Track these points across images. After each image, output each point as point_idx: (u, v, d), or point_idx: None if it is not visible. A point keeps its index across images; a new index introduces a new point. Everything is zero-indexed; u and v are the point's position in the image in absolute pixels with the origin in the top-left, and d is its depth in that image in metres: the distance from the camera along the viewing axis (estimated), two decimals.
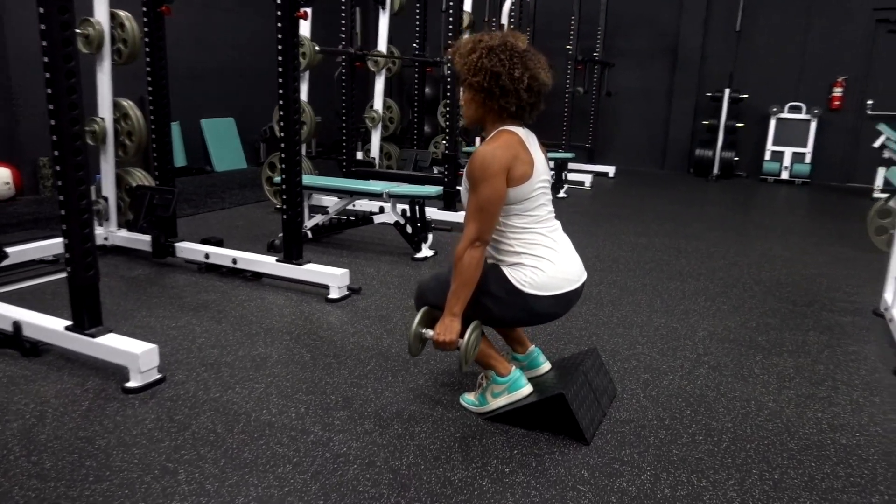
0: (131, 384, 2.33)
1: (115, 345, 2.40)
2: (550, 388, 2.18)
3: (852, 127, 8.55)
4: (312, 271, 3.47)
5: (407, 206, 4.30)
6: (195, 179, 7.01)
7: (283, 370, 2.54)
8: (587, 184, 7.72)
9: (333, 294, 3.40)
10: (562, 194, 6.85)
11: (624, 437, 2.11)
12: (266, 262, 3.59)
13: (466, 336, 2.06)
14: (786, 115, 8.66)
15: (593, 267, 4.13)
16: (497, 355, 2.24)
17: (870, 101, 8.46)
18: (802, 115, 8.58)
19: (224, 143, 7.96)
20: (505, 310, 2.10)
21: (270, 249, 4.19)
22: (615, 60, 9.15)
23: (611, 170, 8.73)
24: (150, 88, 3.75)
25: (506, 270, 2.08)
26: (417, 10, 6.26)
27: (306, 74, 5.46)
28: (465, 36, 2.06)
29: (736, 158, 8.78)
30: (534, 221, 2.08)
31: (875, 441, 2.15)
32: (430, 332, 2.11)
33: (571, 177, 7.62)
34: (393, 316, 3.18)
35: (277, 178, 4.43)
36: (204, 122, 7.74)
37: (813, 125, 8.51)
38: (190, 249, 3.81)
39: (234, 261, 3.68)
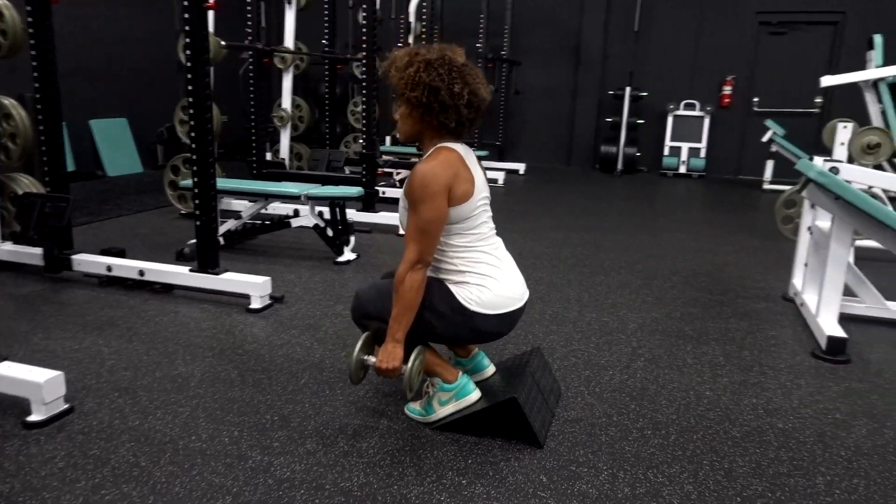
0: (34, 418, 2.06)
1: (11, 374, 2.12)
2: (500, 392, 2.12)
3: (741, 123, 9.11)
4: (231, 280, 3.25)
5: (326, 209, 4.13)
6: (86, 185, 6.47)
7: (208, 390, 2.33)
8: (500, 181, 7.78)
9: (255, 304, 3.19)
10: None
11: (576, 438, 2.08)
12: (179, 273, 3.33)
13: (410, 362, 1.97)
14: (682, 112, 9.11)
15: (518, 265, 4.12)
16: (442, 361, 2.15)
17: (756, 99, 9.05)
18: (697, 113, 9.05)
19: (116, 146, 7.40)
20: (448, 327, 2.01)
21: (180, 258, 3.90)
22: (521, 59, 9.29)
23: (521, 167, 8.85)
24: (36, 85, 3.38)
25: (451, 287, 2.00)
26: (326, 6, 6.06)
27: (210, 71, 5.13)
28: (399, 49, 1.98)
29: (638, 154, 9.14)
30: (477, 240, 2.01)
31: (808, 424, 2.23)
32: (371, 359, 2.02)
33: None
34: (322, 324, 3.02)
35: (184, 182, 4.13)
36: (93, 122, 7.16)
37: (706, 122, 9.00)
38: (89, 262, 3.47)
39: (142, 272, 3.39)
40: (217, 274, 3.26)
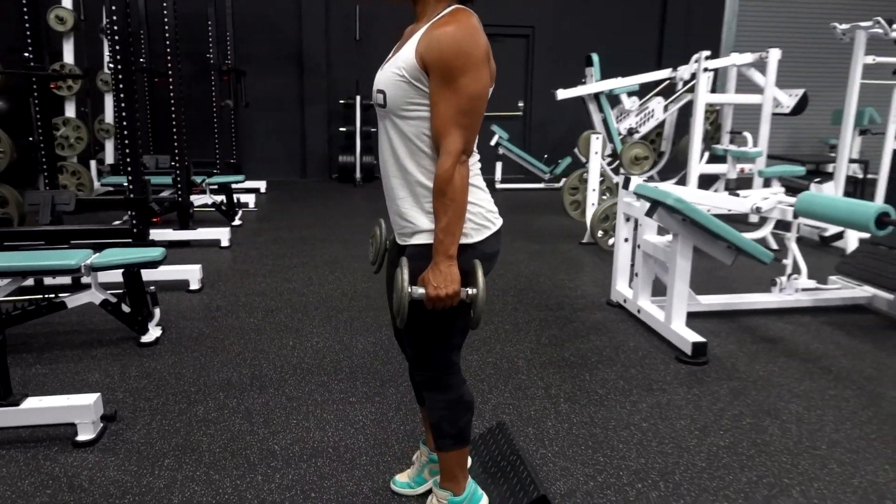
0: None
1: None
2: (514, 488, 1.90)
3: None
4: (39, 409, 2.34)
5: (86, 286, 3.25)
6: None
7: None
8: (251, 204, 7.11)
9: (85, 434, 2.36)
10: (237, 221, 6.16)
11: None
12: None
13: (479, 280, 1.55)
14: None
15: (351, 307, 3.81)
16: (464, 463, 1.85)
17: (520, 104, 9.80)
18: None
19: None
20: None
21: None
22: (244, 68, 8.59)
23: (262, 185, 8.22)
24: None
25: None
26: (25, 10, 4.73)
27: None
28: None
29: (375, 162, 9.19)
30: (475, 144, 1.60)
31: (744, 433, 2.47)
32: (419, 290, 1.54)
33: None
34: (196, 440, 2.37)
35: None
36: None
37: None
38: None
39: None
40: (16, 404, 2.33)
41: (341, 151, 9.07)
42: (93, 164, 7.11)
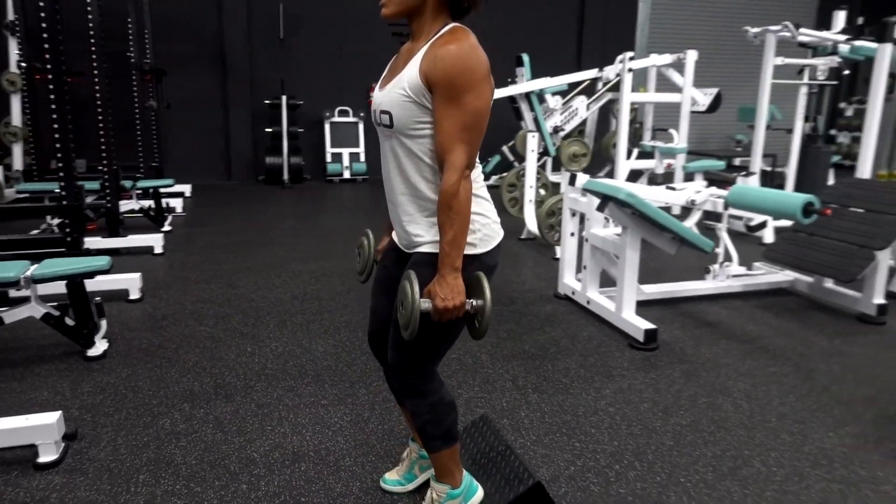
0: None
1: None
2: (508, 477, 1.96)
3: None
4: None
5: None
6: None
7: None
8: (179, 209, 6.84)
9: (47, 455, 2.23)
10: (167, 227, 5.93)
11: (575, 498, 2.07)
12: None
13: (485, 291, 1.56)
14: (337, 119, 9.33)
15: (304, 310, 3.77)
16: (458, 458, 1.88)
17: None
18: (351, 119, 9.38)
19: None
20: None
21: None
22: (165, 68, 8.23)
23: (186, 188, 7.92)
24: None
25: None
26: None
27: None
28: None
29: (303, 163, 9.05)
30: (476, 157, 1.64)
31: (703, 412, 2.63)
32: (426, 304, 1.55)
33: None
34: (169, 453, 2.29)
35: None
36: None
37: (361, 127, 9.41)
38: None
39: None
40: None
41: (268, 153, 8.87)
42: None
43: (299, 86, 9.06)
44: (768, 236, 5.60)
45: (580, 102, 7.56)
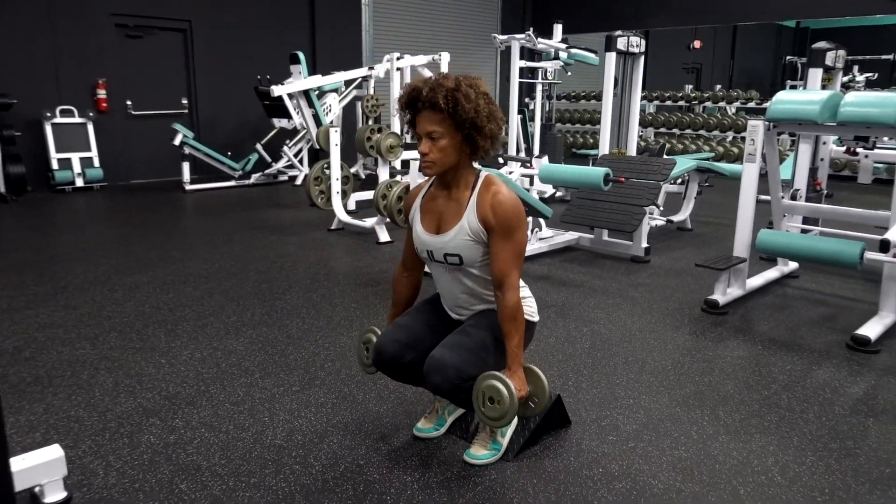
0: None
1: None
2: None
3: (122, 127, 8.90)
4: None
5: None
6: None
7: None
8: None
9: (54, 494, 1.99)
10: None
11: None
12: None
13: (543, 379, 2.16)
14: (60, 119, 8.19)
15: (185, 317, 3.61)
16: None
17: (129, 102, 8.97)
18: (77, 119, 8.32)
19: None
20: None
21: None
22: None
23: None
24: None
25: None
26: None
27: None
28: (442, 77, 1.72)
29: (23, 171, 7.75)
30: None
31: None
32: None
33: None
34: (168, 482, 2.22)
35: None
36: None
37: (91, 128, 8.40)
38: None
39: None
40: None
41: None
42: None
43: (9, 82, 7.73)
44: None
45: (333, 99, 8.03)
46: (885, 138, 4.81)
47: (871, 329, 3.36)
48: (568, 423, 2.48)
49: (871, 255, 3.27)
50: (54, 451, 2.01)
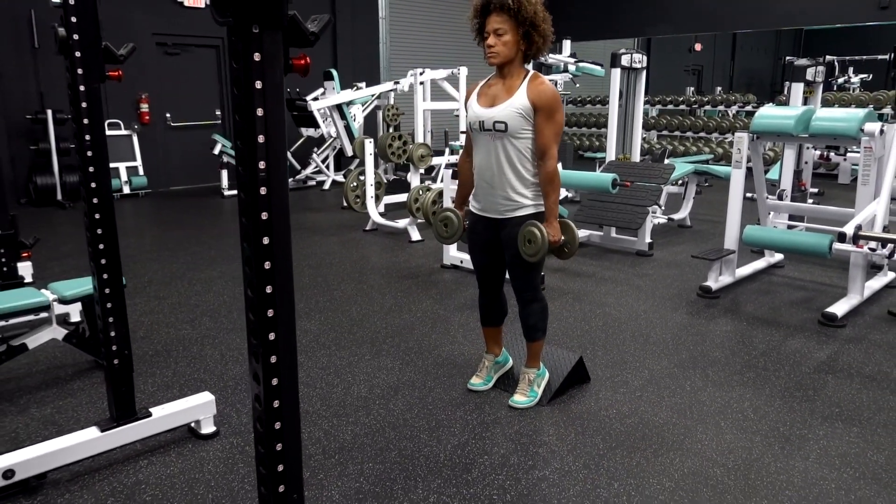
0: None
1: None
2: (558, 359, 3.09)
3: (163, 137, 9.60)
4: (170, 415, 2.57)
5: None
6: None
7: None
8: None
9: (208, 427, 2.67)
10: None
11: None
12: (84, 441, 2.36)
13: (575, 230, 2.75)
14: (108, 132, 8.88)
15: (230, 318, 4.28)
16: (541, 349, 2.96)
17: (168, 115, 9.68)
18: (123, 132, 9.03)
19: None
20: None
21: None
22: None
23: None
24: None
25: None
26: None
27: None
28: None
29: (76, 180, 8.46)
30: None
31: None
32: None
33: None
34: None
35: None
36: None
37: (135, 139, 9.11)
38: None
39: (8, 474, 2.21)
40: (146, 416, 2.51)
41: (35, 172, 8.13)
42: None
43: (63, 100, 8.43)
44: None
45: (357, 110, 8.70)
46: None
47: (840, 308, 4.01)
48: (588, 379, 3.14)
49: (838, 246, 3.92)
50: (206, 396, 2.69)
